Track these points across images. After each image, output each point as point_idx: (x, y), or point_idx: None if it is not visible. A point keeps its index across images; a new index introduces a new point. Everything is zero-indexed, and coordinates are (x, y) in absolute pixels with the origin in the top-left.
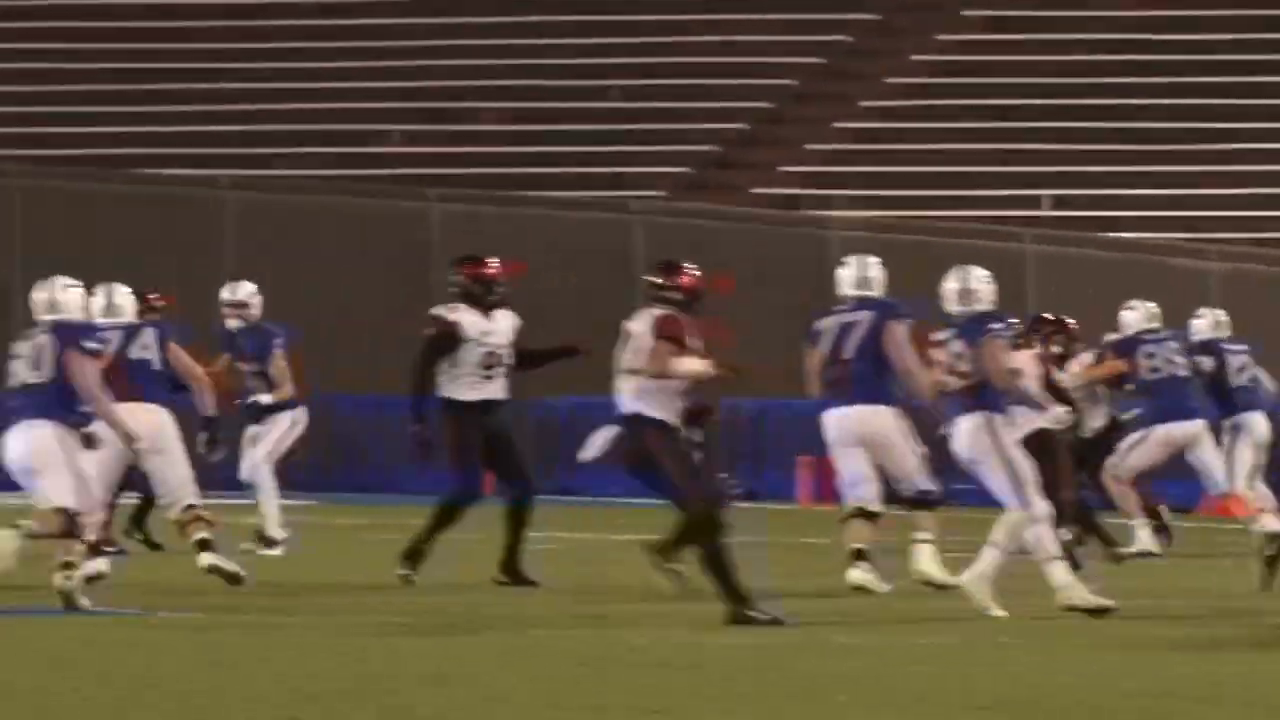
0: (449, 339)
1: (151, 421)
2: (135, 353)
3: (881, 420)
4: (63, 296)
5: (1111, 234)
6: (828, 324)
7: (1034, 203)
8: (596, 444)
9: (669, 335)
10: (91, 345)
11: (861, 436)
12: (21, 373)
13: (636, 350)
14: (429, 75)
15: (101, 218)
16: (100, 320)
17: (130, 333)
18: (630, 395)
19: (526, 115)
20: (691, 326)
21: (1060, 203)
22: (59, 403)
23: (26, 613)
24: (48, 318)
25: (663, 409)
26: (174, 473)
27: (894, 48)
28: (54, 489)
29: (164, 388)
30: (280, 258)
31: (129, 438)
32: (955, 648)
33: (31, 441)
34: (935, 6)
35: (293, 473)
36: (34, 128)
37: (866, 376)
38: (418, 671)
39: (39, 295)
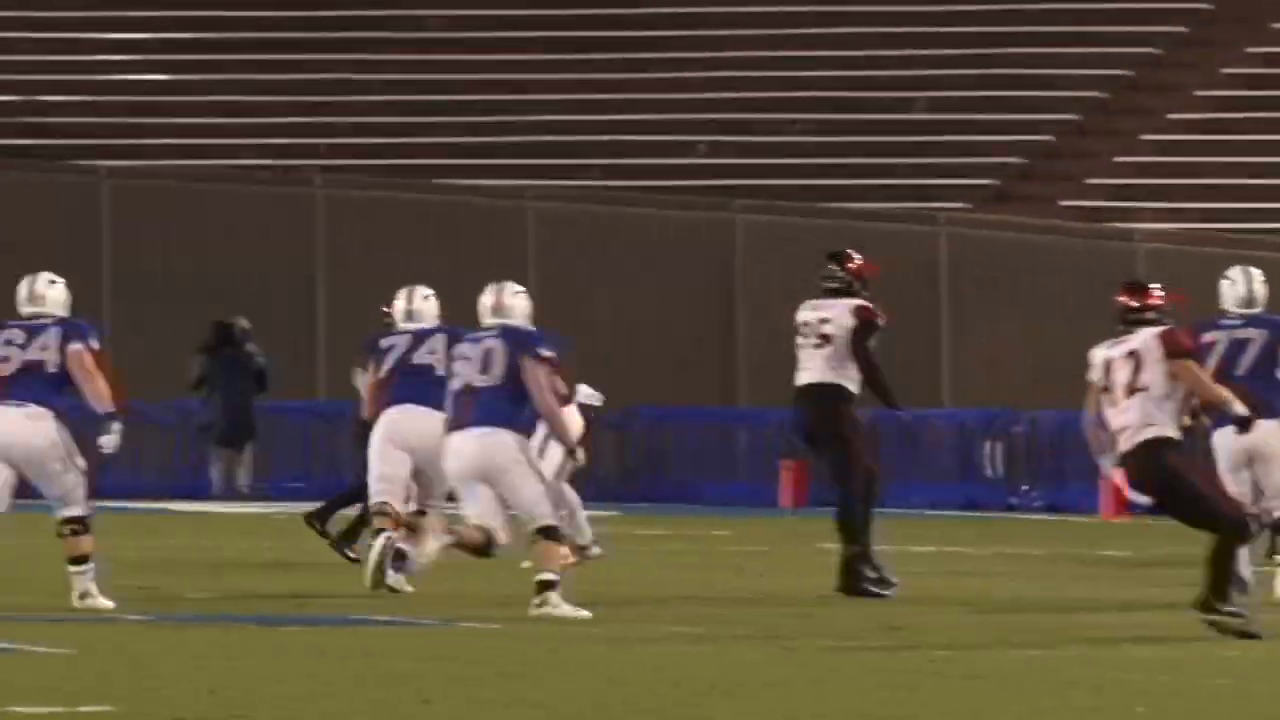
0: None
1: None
2: (420, 358)
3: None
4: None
5: None
6: (1216, 338)
7: None
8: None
9: (1185, 351)
10: (545, 353)
11: (1250, 454)
12: (468, 374)
13: (1141, 370)
14: (734, 86)
15: (401, 228)
16: (401, 323)
17: (419, 338)
18: (1140, 417)
19: (832, 127)
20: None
21: None
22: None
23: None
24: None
25: (1173, 426)
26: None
27: (1203, 60)
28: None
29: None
30: (583, 269)
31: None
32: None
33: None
34: (1244, 19)
35: (596, 483)
36: (342, 139)
37: (1259, 394)
38: (708, 680)
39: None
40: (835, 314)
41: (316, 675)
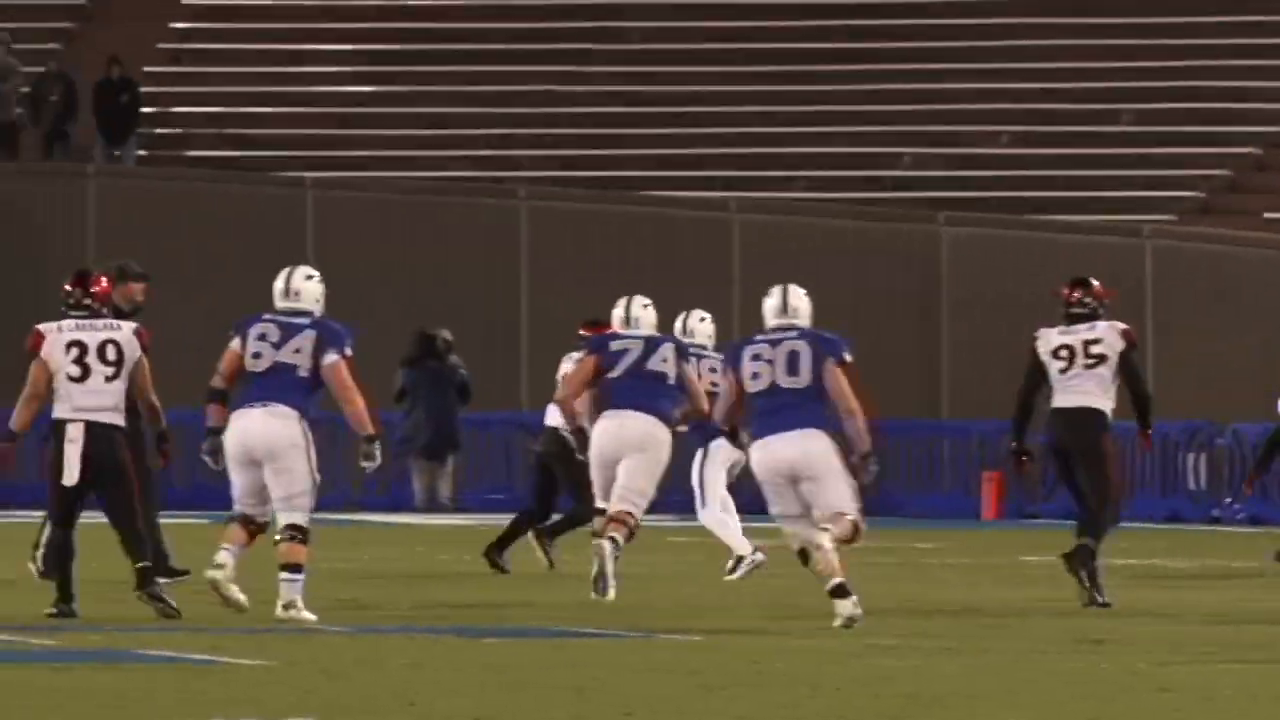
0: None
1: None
2: (654, 365)
3: None
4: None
5: None
6: None
7: None
8: None
9: None
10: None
11: None
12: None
13: None
14: (939, 99)
15: (605, 240)
16: (620, 330)
17: (651, 345)
18: None
19: (1037, 139)
20: None
21: None
22: (819, 402)
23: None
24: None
25: None
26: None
27: None
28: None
29: (672, 399)
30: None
31: None
32: None
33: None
34: None
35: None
36: (546, 150)
37: None
38: (907, 691)
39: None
40: (1104, 335)
41: (516, 688)
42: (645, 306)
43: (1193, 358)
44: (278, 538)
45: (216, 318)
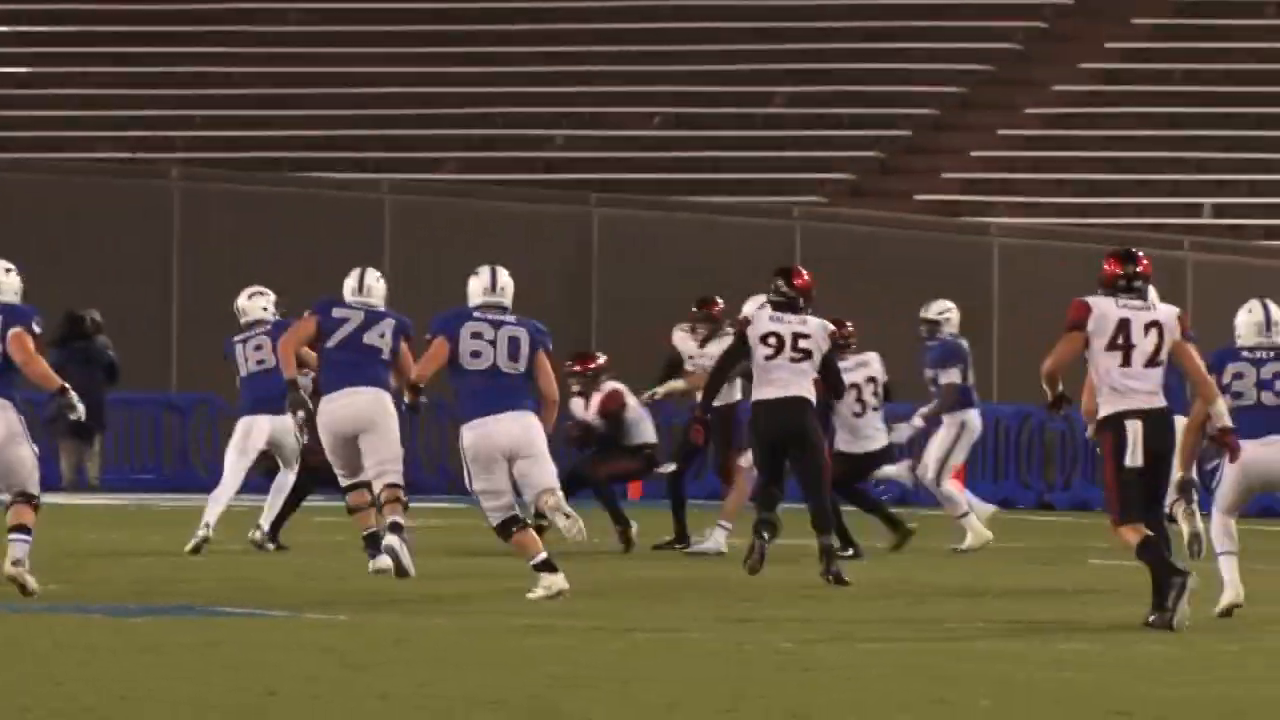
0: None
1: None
2: (371, 339)
3: None
4: (375, 285)
5: (1274, 242)
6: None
7: (1195, 210)
8: None
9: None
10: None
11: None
12: None
13: (1163, 343)
14: (590, 80)
15: (259, 219)
16: (351, 299)
17: (371, 318)
18: (1156, 386)
19: (689, 121)
20: None
21: (1220, 211)
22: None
23: None
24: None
25: None
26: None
27: (1063, 55)
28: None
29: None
30: (436, 260)
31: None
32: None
33: None
34: (1102, 13)
35: None
36: (199, 132)
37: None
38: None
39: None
40: (813, 332)
41: (166, 666)
42: (379, 279)
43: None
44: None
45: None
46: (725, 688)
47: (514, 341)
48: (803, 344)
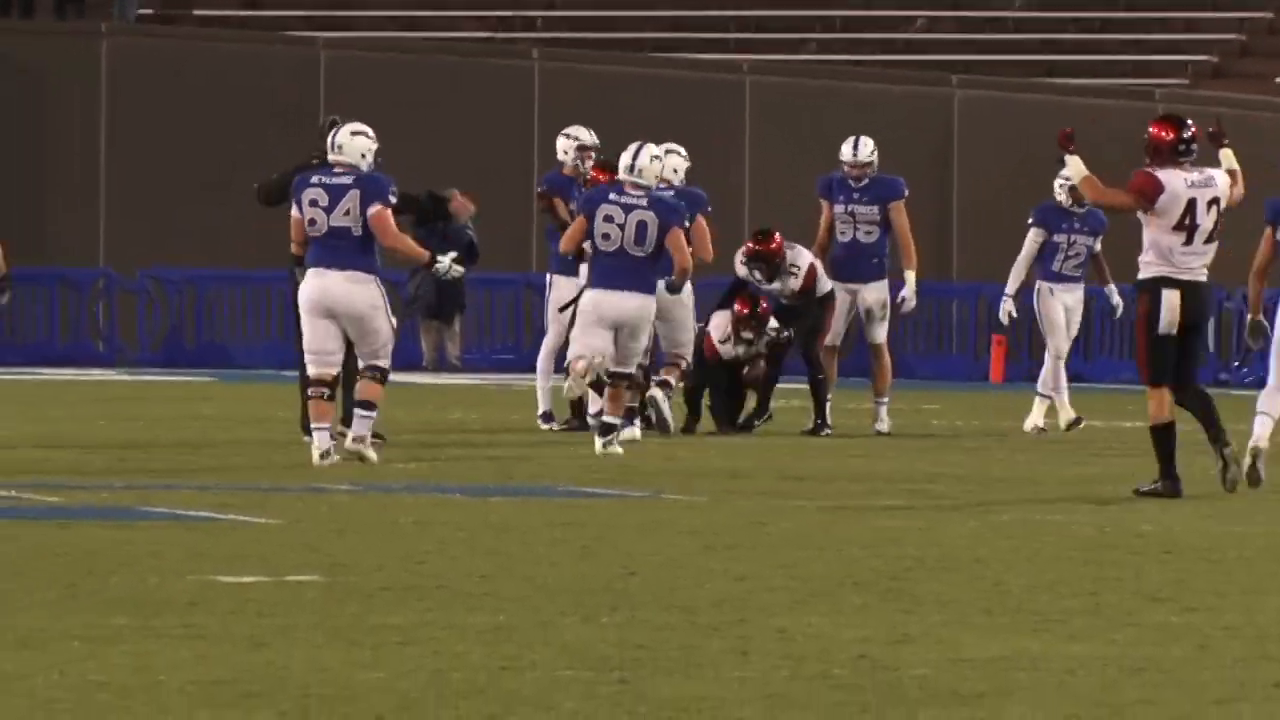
0: None
1: None
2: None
3: None
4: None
5: None
6: None
7: None
8: None
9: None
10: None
11: None
12: None
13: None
14: None
15: (617, 100)
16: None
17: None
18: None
19: (1051, 2)
20: None
21: None
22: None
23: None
24: None
25: None
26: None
27: None
28: None
29: None
30: (797, 141)
31: None
32: None
33: None
34: None
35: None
36: (559, 11)
37: None
38: (914, 555)
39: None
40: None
41: (521, 547)
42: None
43: None
44: (360, 376)
45: (227, 176)
46: (1086, 571)
47: (642, 226)
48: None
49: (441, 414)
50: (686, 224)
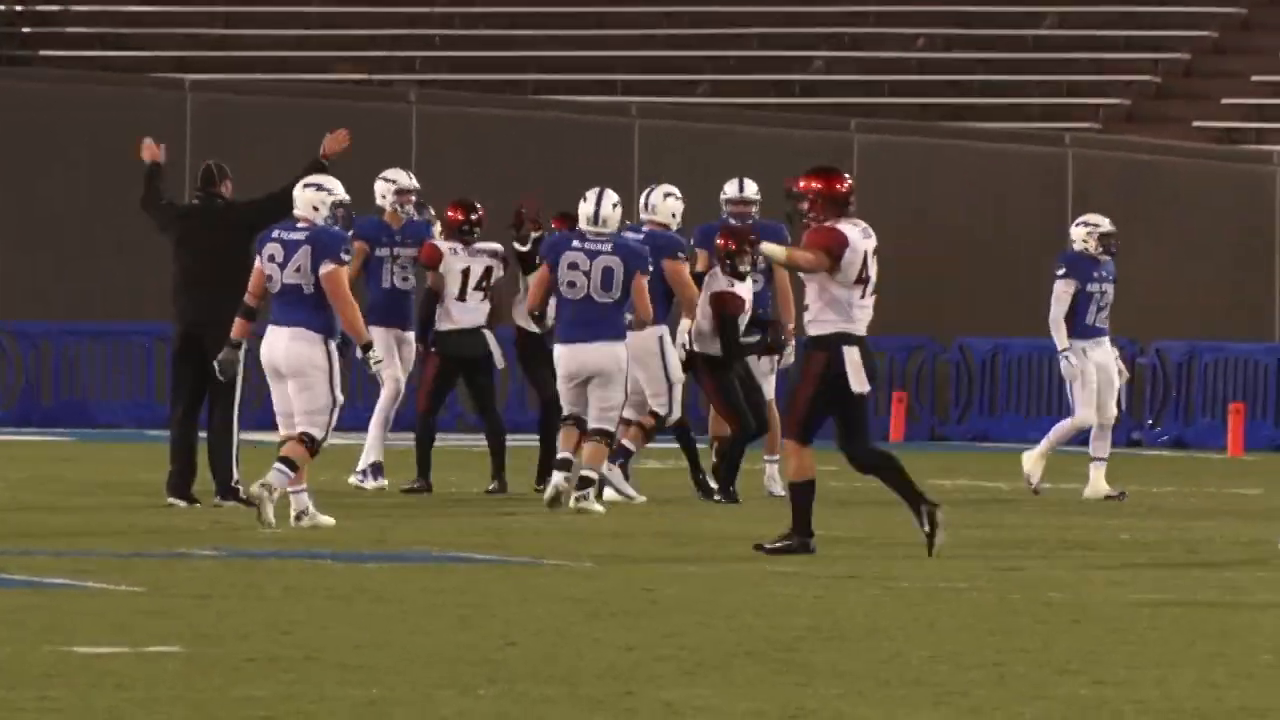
0: None
1: None
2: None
3: None
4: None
5: None
6: None
7: None
8: None
9: None
10: None
11: None
12: None
13: None
14: (850, 10)
15: (500, 143)
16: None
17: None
18: None
19: (955, 42)
20: None
21: None
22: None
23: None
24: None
25: None
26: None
27: None
28: None
29: None
30: (686, 184)
31: None
32: None
33: None
34: None
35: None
36: (438, 52)
37: None
38: (807, 624)
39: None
40: None
41: (397, 615)
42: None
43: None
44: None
45: (89, 225)
46: (991, 641)
47: (608, 272)
48: None
49: (311, 473)
50: (650, 269)
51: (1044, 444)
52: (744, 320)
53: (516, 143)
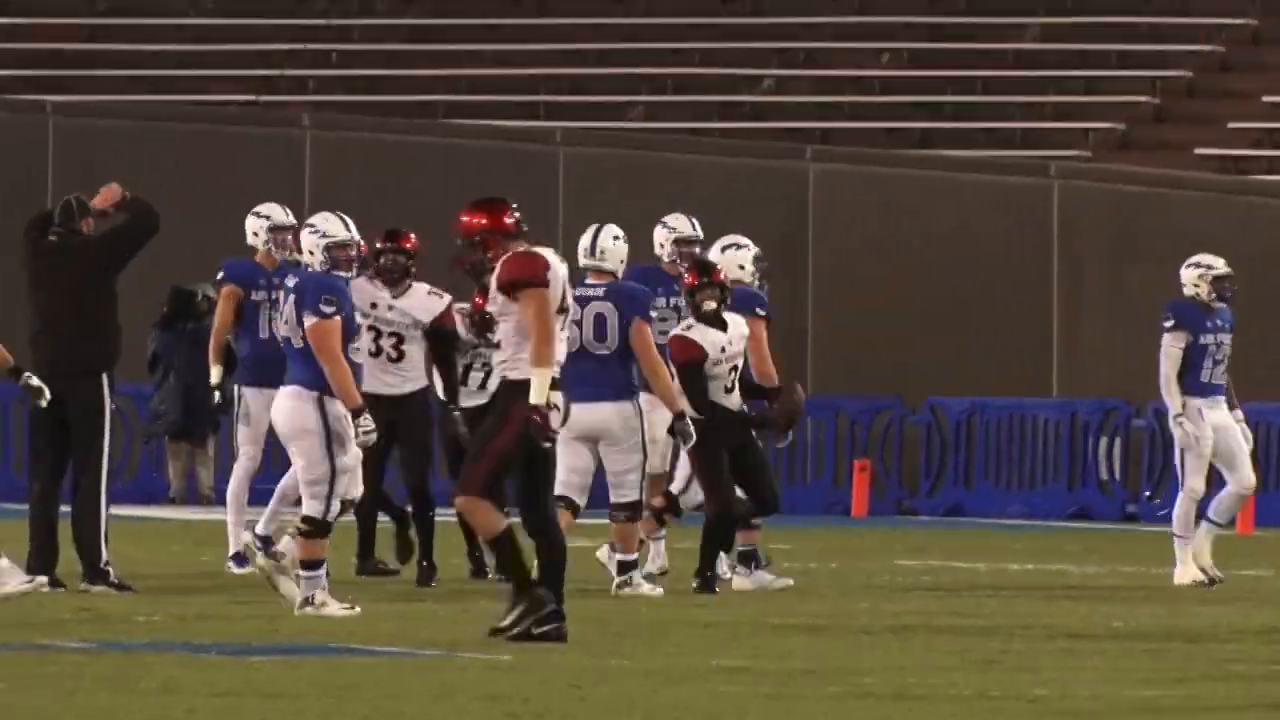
0: None
1: None
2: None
3: None
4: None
5: None
6: None
7: None
8: None
9: None
10: None
11: None
12: None
13: None
14: (805, 10)
15: (406, 170)
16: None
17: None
18: None
19: (925, 58)
20: None
21: None
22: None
23: None
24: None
25: None
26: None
27: None
28: None
29: None
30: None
31: None
32: None
33: None
34: None
35: None
36: (335, 71)
37: None
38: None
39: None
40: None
41: (289, 715)
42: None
43: (1105, 322)
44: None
45: None
46: None
47: (600, 320)
48: None
49: (193, 554)
50: (652, 314)
51: (1202, 529)
52: (722, 371)
53: (424, 173)
